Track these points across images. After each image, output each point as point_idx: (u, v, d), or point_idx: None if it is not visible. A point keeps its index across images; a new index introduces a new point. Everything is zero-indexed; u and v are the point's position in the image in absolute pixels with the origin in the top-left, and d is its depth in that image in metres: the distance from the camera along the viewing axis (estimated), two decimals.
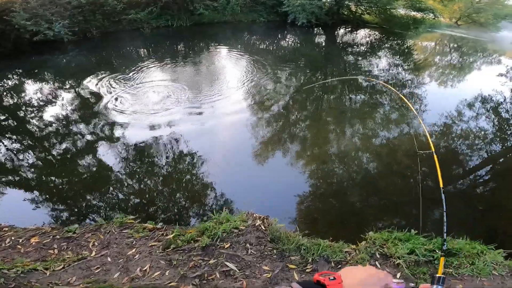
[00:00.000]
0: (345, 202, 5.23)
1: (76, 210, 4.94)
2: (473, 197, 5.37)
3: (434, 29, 20.38)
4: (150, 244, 3.73)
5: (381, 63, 12.31)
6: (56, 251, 3.74)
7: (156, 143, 6.51)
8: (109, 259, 3.56)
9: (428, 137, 3.73)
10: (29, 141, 6.74)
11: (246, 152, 6.31)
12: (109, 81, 9.07)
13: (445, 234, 1.57)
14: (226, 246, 3.63)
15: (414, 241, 3.70)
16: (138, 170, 5.82)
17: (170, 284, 3.18)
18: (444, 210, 1.85)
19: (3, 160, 6.02)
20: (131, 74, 9.73)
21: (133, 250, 3.67)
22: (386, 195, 5.38)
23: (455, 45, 17.41)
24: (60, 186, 5.43)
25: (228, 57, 12.43)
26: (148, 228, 4.08)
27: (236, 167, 5.93)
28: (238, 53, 13.00)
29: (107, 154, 6.25)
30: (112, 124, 7.11)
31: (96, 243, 3.86)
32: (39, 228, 4.16)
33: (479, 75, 11.89)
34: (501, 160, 6.40)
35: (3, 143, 6.50)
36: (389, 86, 6.52)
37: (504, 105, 8.76)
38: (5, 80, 9.62)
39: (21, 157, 6.14)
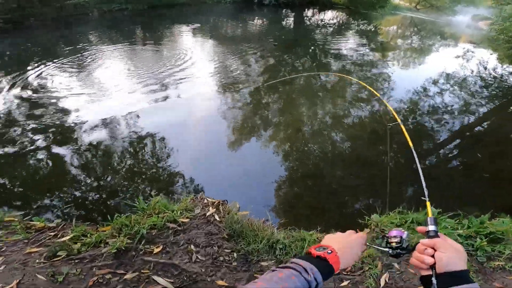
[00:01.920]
0: (325, 184, 4.02)
1: None
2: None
3: (397, 11, 20.24)
4: (27, 251, 2.24)
5: (348, 43, 11.44)
6: None
7: (105, 126, 4.90)
8: None
9: (393, 111, 2.63)
10: None
11: (210, 135, 4.93)
12: (52, 68, 7.12)
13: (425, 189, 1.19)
14: (156, 251, 2.24)
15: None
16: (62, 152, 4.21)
17: None
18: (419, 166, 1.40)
19: None
20: (77, 60, 7.77)
21: None
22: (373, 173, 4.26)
23: (416, 28, 17.18)
24: None
25: (192, 41, 10.77)
26: (36, 227, 2.55)
27: (195, 149, 4.50)
28: (202, 35, 11.43)
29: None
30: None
31: None
32: None
33: (438, 56, 11.53)
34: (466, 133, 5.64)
35: None
36: (349, 78, 5.46)
37: (461, 84, 8.14)
38: None
39: None
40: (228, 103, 5.97)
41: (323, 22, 15.45)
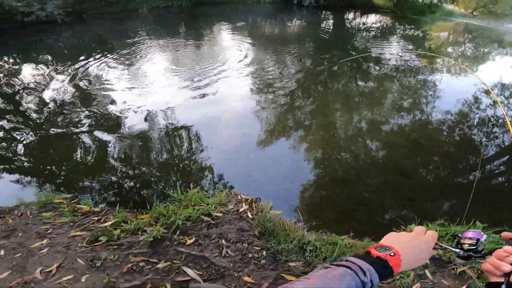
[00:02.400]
0: (364, 190, 3.91)
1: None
2: None
3: (450, 17, 19.02)
4: (71, 234, 2.42)
5: (391, 48, 11.00)
6: None
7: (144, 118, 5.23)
8: (2, 252, 2.25)
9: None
10: None
11: (247, 134, 5.01)
12: (105, 62, 7.77)
13: None
14: (189, 242, 2.32)
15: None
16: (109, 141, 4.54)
17: None
18: None
19: None
20: (128, 54, 8.40)
21: (43, 241, 2.36)
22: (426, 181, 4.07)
23: (471, 35, 16.10)
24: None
25: (231, 39, 11.08)
26: (82, 211, 2.76)
27: (233, 147, 4.64)
28: (242, 34, 11.67)
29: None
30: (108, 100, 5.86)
31: None
32: None
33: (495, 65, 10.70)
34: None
35: None
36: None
37: None
38: None
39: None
40: (263, 103, 6.02)
41: (365, 26, 15.02)
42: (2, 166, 4.07)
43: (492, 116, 5.96)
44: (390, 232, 0.87)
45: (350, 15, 17.39)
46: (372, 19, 16.62)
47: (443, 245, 0.96)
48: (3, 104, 5.82)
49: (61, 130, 4.83)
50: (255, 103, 6.04)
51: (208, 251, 2.28)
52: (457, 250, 0.89)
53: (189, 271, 2.13)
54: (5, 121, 5.12)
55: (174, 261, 2.20)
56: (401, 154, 4.72)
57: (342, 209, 3.54)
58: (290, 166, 4.31)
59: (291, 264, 2.25)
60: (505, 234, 0.85)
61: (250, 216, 2.57)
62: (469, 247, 0.87)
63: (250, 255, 2.28)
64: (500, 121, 5.78)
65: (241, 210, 2.63)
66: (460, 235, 0.92)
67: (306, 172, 4.11)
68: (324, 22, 16.22)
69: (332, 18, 16.77)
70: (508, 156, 4.80)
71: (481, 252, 0.86)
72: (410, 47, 11.59)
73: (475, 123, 5.78)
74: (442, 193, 3.85)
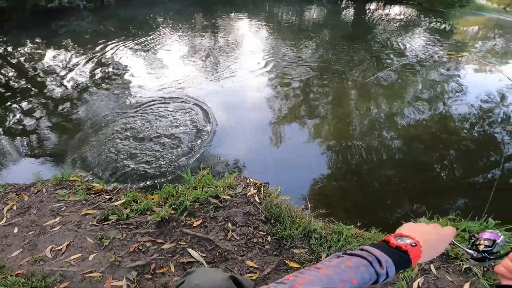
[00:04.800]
0: (371, 181, 3.84)
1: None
2: None
3: (481, 11, 18.13)
4: (83, 212, 2.50)
5: (416, 41, 10.61)
6: None
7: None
8: (15, 229, 2.36)
9: None
10: None
11: (261, 122, 4.98)
12: (124, 49, 7.95)
13: None
14: (195, 224, 2.36)
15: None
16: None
17: (89, 275, 1.94)
18: None
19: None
20: (148, 41, 8.56)
21: (56, 219, 2.45)
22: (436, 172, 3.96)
23: (502, 31, 15.29)
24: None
25: (247, 28, 11.03)
26: (95, 189, 2.84)
27: (247, 133, 4.67)
28: (259, 23, 11.58)
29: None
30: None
31: (15, 207, 2.67)
32: None
33: None
34: None
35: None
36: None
37: None
38: (23, 47, 8.49)
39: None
40: (279, 91, 5.97)
41: (388, 17, 14.54)
42: (23, 142, 4.27)
43: None
44: (407, 223, 0.83)
45: (373, 5, 16.88)
46: (396, 10, 16.08)
47: (458, 245, 0.95)
48: (27, 86, 6.02)
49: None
50: (271, 90, 6.00)
51: (214, 234, 2.31)
52: (472, 251, 0.87)
53: (193, 252, 2.16)
54: (26, 103, 5.32)
55: (179, 242, 2.23)
56: (419, 147, 4.60)
57: (352, 200, 3.50)
58: (303, 154, 4.30)
59: (295, 251, 2.25)
60: None
61: (257, 200, 2.58)
62: (484, 248, 0.85)
63: (255, 240, 2.29)
64: None
65: (249, 194, 2.64)
66: (476, 235, 0.90)
67: (319, 161, 4.07)
68: (344, 11, 15.82)
69: (353, 7, 16.33)
70: None
71: (496, 254, 0.84)
72: (437, 40, 11.16)
73: (498, 120, 5.53)
74: (458, 189, 3.73)
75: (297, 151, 4.34)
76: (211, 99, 5.34)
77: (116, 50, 7.76)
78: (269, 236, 2.31)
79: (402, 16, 15.08)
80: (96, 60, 7.14)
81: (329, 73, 6.91)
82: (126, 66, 6.86)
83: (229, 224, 2.36)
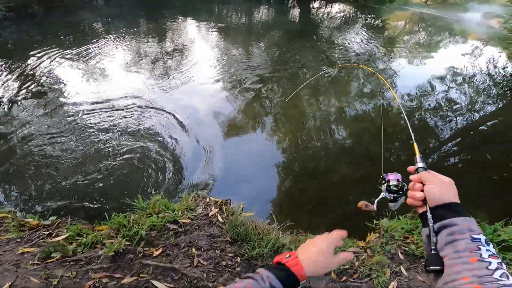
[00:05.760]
0: (332, 184, 3.89)
1: None
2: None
3: (406, 6, 19.80)
4: (20, 251, 2.12)
5: (355, 37, 11.19)
6: None
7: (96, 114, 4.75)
8: None
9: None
10: None
11: (210, 127, 4.70)
12: (55, 58, 6.93)
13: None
14: (156, 253, 2.13)
15: None
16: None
17: None
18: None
19: None
20: (81, 51, 7.55)
21: None
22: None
23: (425, 24, 16.81)
24: None
25: (196, 31, 10.55)
26: (29, 225, 2.44)
27: (197, 144, 4.30)
28: (206, 26, 11.16)
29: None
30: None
31: None
32: None
33: (445, 53, 11.29)
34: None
35: None
36: (366, 67, 5.25)
37: (470, 80, 7.98)
38: None
39: None
40: (231, 98, 5.77)
41: (329, 15, 15.14)
42: None
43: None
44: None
45: (316, 4, 17.45)
46: (336, 8, 16.79)
47: (378, 198, 1.03)
48: None
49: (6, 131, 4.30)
50: (223, 97, 5.78)
51: (178, 262, 2.10)
52: (386, 195, 0.98)
53: (159, 284, 1.95)
54: None
55: (141, 275, 2.00)
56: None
57: (315, 204, 3.49)
58: (259, 162, 4.16)
59: None
60: (410, 167, 0.90)
61: (220, 220, 2.42)
62: (396, 189, 0.96)
63: (224, 263, 2.14)
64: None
65: (210, 214, 2.47)
66: (385, 176, 1.01)
67: (276, 168, 3.99)
68: (291, 11, 16.11)
69: (298, 6, 16.70)
70: None
71: (405, 191, 0.94)
72: (371, 35, 11.82)
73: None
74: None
75: (251, 159, 4.20)
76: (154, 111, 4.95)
77: (48, 61, 6.83)
78: (238, 257, 2.17)
79: (341, 14, 15.79)
80: (24, 73, 6.19)
81: (280, 73, 6.91)
82: (60, 78, 6.05)
83: (194, 250, 2.17)
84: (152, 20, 11.77)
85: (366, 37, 11.36)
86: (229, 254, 2.18)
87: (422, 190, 0.79)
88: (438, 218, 0.74)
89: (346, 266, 2.29)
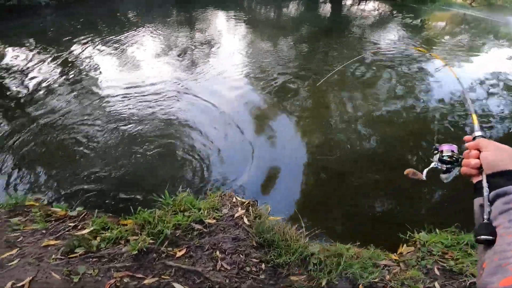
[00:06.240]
0: (366, 194, 3.65)
1: None
2: None
3: (448, 7, 18.75)
4: (44, 244, 2.12)
5: (389, 36, 10.70)
6: None
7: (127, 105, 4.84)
8: None
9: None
10: None
11: (238, 126, 4.53)
12: (93, 46, 7.25)
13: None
14: (179, 254, 2.06)
15: None
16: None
17: None
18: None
19: None
20: (116, 40, 7.85)
21: (13, 251, 2.06)
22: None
23: (468, 26, 15.84)
24: None
25: (225, 23, 10.59)
26: (56, 215, 2.45)
27: (224, 143, 4.18)
28: (236, 20, 11.14)
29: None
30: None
31: None
32: None
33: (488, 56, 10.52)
34: None
35: None
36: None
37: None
38: None
39: None
40: (260, 94, 5.64)
41: (363, 13, 14.63)
42: None
43: None
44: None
45: (348, 1, 16.94)
46: (371, 6, 16.22)
47: (429, 168, 0.97)
48: None
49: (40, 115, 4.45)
50: (254, 90, 5.66)
51: (201, 265, 2.02)
52: (438, 165, 0.94)
53: (180, 287, 1.87)
54: None
55: (162, 276, 1.93)
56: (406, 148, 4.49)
57: (344, 210, 3.30)
58: (287, 164, 3.98)
59: (293, 278, 2.02)
60: (466, 137, 0.87)
61: (246, 222, 2.31)
62: (449, 159, 0.92)
63: (248, 269, 2.03)
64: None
65: (236, 215, 2.37)
66: (438, 146, 0.97)
67: (304, 171, 3.82)
68: (322, 6, 15.75)
69: (329, 2, 16.29)
70: None
71: (459, 162, 0.90)
72: (407, 35, 11.31)
73: None
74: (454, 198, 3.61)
75: (280, 158, 4.03)
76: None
77: (83, 48, 7.11)
78: (263, 264, 2.06)
79: (376, 12, 15.23)
80: (62, 60, 6.47)
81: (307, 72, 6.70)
82: (97, 66, 6.28)
83: (217, 253, 2.08)
84: (184, 11, 11.95)
85: (401, 37, 10.88)
86: (253, 260, 2.08)
87: (478, 158, 0.76)
88: (493, 186, 0.69)
89: (376, 280, 2.12)
